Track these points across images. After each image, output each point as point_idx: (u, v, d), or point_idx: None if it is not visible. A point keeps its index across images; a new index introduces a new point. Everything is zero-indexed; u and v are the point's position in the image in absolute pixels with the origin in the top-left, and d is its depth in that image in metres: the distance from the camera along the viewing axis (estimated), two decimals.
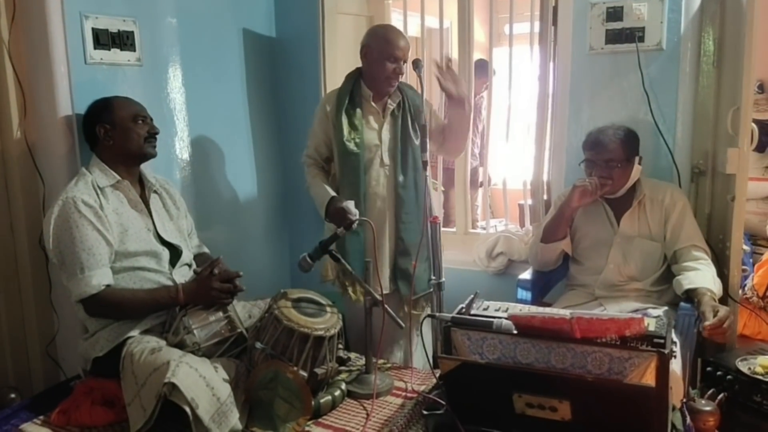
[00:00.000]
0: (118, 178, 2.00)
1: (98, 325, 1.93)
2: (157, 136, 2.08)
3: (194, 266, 2.15)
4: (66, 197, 1.88)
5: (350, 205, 2.26)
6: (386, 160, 2.41)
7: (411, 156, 2.40)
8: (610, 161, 2.21)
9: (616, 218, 2.30)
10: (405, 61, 2.37)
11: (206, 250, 2.32)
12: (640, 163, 2.27)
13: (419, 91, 2.40)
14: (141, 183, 2.11)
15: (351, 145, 2.35)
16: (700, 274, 2.10)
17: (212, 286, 1.93)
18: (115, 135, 2.00)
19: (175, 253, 2.07)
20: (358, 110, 2.39)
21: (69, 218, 1.85)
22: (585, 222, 2.36)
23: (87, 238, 1.85)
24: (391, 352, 2.46)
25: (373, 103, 2.42)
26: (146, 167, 2.14)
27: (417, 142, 2.38)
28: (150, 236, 2.01)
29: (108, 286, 1.87)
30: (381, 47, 2.33)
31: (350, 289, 2.42)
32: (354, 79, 2.43)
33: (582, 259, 2.38)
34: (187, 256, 2.12)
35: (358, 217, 2.21)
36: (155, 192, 2.12)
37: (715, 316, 1.89)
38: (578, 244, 2.38)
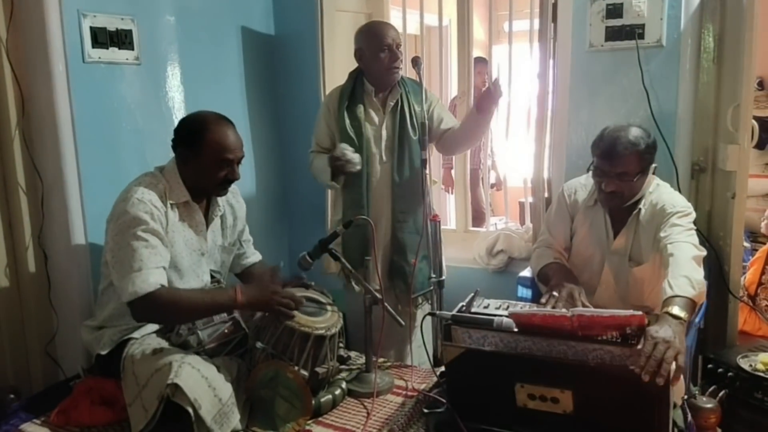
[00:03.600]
0: (188, 198, 1.93)
1: (106, 319, 1.91)
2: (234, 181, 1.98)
3: None
4: (141, 197, 1.81)
5: (342, 148, 2.31)
6: (384, 157, 2.42)
7: (408, 153, 2.40)
8: (623, 175, 1.97)
9: (614, 232, 2.13)
10: (399, 47, 2.38)
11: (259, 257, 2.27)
12: (654, 172, 2.07)
13: (420, 88, 2.39)
14: (208, 200, 2.02)
15: (352, 134, 2.37)
16: (670, 271, 1.78)
17: (274, 297, 1.80)
18: (192, 162, 1.91)
19: (212, 280, 2.05)
20: (360, 106, 2.41)
21: (138, 216, 1.79)
22: (584, 223, 2.21)
23: (152, 237, 1.80)
24: (389, 349, 2.46)
25: (375, 99, 2.44)
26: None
27: (414, 138, 2.39)
28: (200, 260, 1.98)
29: (163, 286, 1.79)
30: (370, 44, 2.37)
31: (353, 281, 2.41)
32: (356, 75, 2.46)
33: (576, 270, 2.21)
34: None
35: (352, 157, 2.29)
36: (219, 216, 2.06)
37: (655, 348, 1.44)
38: (575, 249, 2.24)
